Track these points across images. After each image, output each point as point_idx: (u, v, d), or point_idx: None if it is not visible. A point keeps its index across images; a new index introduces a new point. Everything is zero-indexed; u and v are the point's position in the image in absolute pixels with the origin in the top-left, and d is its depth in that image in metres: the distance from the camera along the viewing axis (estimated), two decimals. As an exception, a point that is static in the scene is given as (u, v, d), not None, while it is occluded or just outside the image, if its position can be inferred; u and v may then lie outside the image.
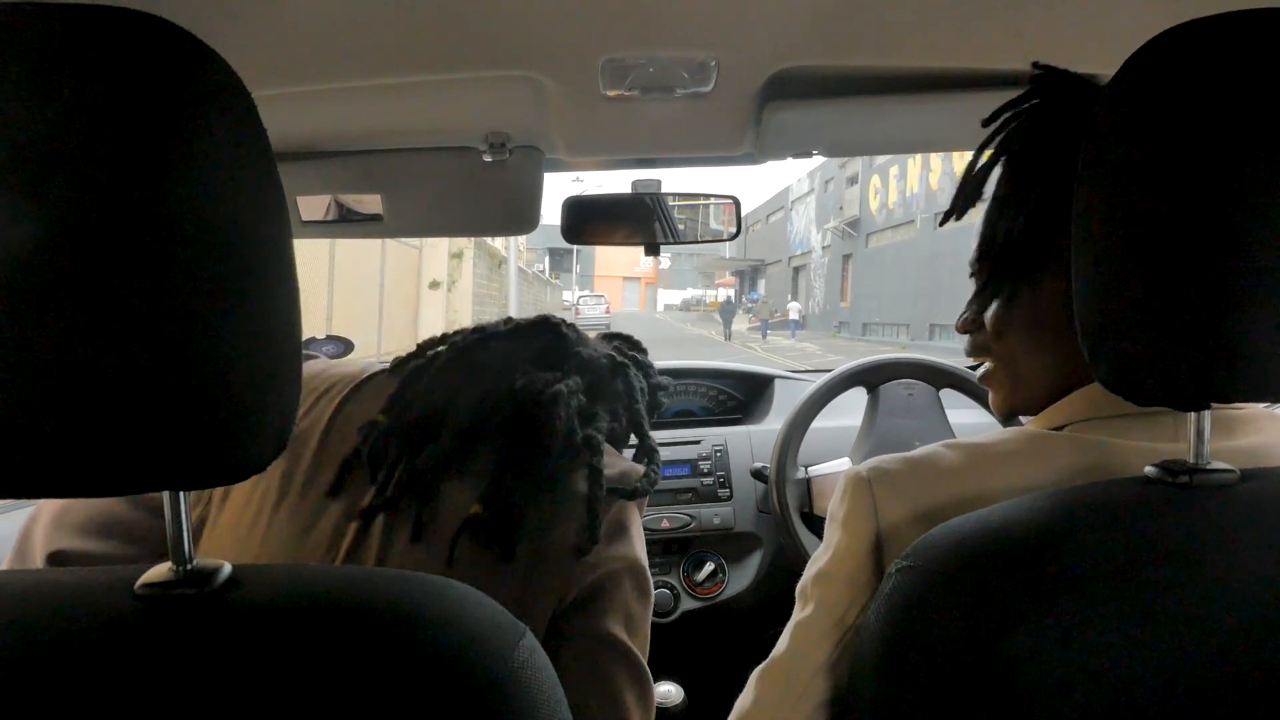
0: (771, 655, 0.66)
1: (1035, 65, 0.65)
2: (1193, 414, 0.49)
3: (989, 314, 0.70)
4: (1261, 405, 0.63)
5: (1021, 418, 0.73)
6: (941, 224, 0.74)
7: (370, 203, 1.21)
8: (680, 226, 1.30)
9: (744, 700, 0.67)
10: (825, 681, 0.62)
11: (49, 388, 0.32)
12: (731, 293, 42.97)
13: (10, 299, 0.32)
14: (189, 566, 0.38)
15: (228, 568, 0.39)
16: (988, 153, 0.67)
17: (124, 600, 0.37)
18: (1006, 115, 0.66)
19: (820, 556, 0.65)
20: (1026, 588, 0.44)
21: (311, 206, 1.21)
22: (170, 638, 0.36)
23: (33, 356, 0.32)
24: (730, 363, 1.86)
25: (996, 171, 0.67)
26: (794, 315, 29.30)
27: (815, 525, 1.39)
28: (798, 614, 0.65)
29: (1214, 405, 0.50)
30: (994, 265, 0.67)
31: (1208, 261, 0.44)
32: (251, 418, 0.36)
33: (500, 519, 0.67)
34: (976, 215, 0.71)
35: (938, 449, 0.62)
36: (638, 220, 1.28)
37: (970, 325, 0.72)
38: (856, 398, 1.47)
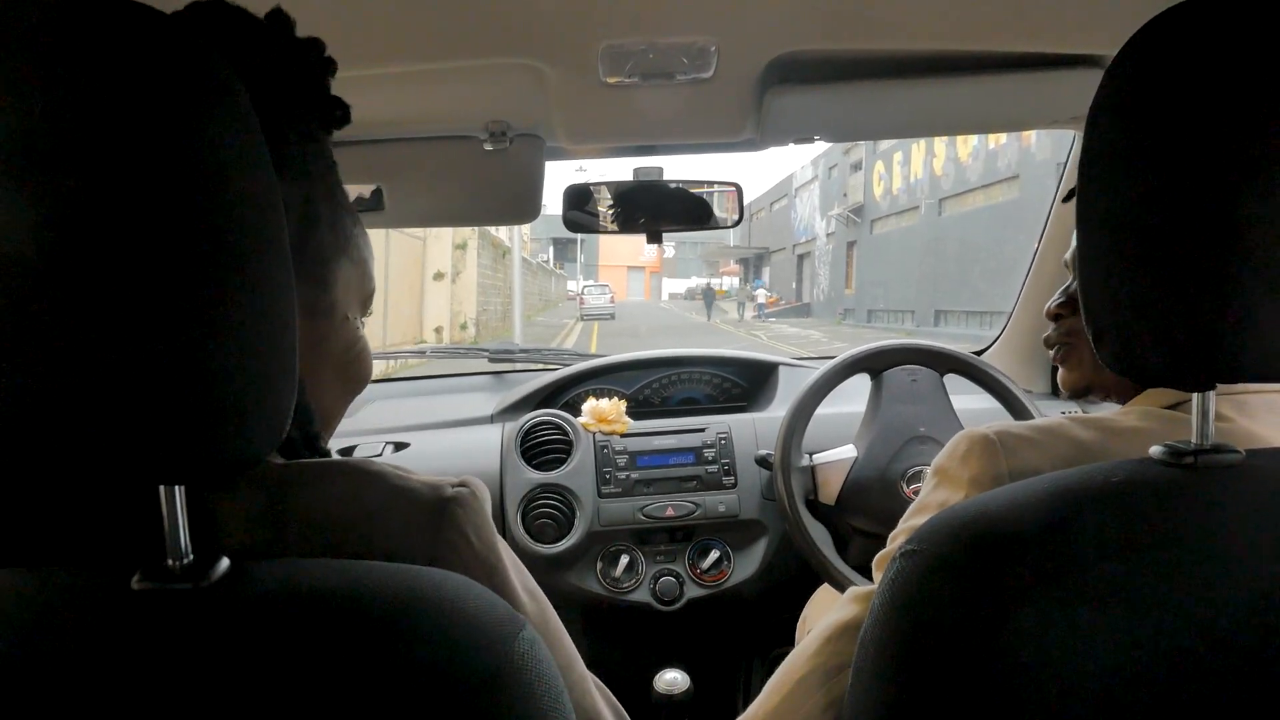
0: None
1: None
2: (1196, 395, 0.49)
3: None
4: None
5: (1092, 396, 0.80)
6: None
7: (371, 193, 1.21)
8: (682, 214, 1.30)
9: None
10: None
11: (47, 381, 0.32)
12: (720, 281, 51.16)
13: (9, 292, 0.32)
14: (186, 561, 0.38)
15: (225, 561, 0.38)
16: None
17: (121, 596, 0.37)
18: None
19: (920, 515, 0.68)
20: (1028, 572, 0.44)
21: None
22: (168, 633, 0.36)
23: (31, 350, 0.32)
24: (734, 350, 1.85)
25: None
26: (760, 299, 36.88)
27: (820, 512, 1.38)
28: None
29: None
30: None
31: (1210, 242, 0.43)
32: (247, 413, 0.36)
33: None
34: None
35: (1063, 420, 0.65)
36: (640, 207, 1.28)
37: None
38: (860, 385, 1.46)
